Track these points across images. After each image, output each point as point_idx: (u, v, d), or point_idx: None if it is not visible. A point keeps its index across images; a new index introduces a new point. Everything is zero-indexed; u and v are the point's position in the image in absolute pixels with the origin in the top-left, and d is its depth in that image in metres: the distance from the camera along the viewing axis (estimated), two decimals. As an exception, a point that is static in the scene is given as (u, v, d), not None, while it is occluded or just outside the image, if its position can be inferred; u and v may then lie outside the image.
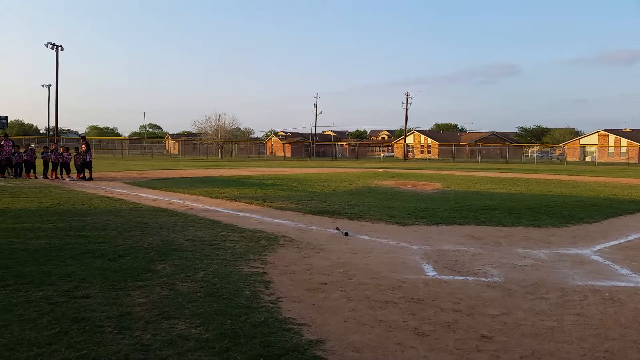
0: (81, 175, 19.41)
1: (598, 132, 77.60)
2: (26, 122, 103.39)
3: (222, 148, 70.22)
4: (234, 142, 74.97)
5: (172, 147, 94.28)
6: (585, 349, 3.73)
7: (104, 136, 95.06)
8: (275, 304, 4.60)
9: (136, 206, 11.45)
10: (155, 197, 13.65)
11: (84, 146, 19.72)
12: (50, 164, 19.94)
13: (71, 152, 20.00)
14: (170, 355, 3.42)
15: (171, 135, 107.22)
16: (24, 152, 19.89)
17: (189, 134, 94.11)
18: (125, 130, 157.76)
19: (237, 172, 27.92)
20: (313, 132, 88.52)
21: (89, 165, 19.53)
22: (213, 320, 4.11)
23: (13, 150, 19.86)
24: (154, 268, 5.78)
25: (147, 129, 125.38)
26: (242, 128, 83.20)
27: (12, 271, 5.48)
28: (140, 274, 5.51)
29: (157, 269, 5.76)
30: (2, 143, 19.59)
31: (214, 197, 13.66)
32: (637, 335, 4.01)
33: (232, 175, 23.76)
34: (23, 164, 19.74)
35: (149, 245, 7.03)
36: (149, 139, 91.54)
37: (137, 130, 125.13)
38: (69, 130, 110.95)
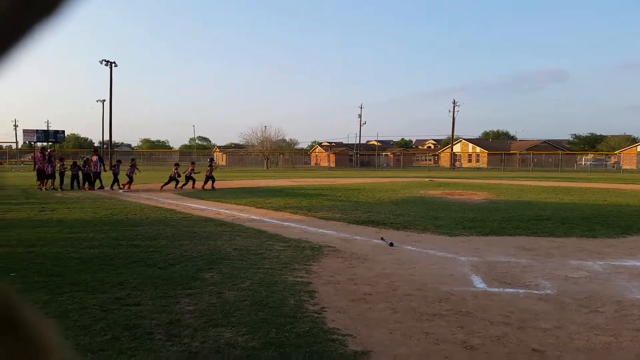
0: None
1: (657, 138, 73.58)
2: (81, 136, 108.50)
3: (268, 159, 70.95)
4: (279, 152, 75.79)
5: (220, 158, 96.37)
6: (647, 367, 3.52)
7: (156, 149, 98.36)
8: (320, 314, 4.60)
9: (186, 216, 11.71)
10: (203, 207, 13.92)
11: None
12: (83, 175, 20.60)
13: (79, 162, 21.26)
14: (218, 363, 3.48)
15: (219, 147, 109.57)
16: (83, 165, 20.92)
17: (236, 145, 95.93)
18: (176, 142, 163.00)
19: (282, 182, 28.14)
20: (357, 142, 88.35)
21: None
22: (259, 328, 4.15)
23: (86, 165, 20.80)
24: (202, 276, 5.89)
25: (197, 141, 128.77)
26: (287, 139, 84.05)
27: (68, 279, 5.73)
28: (189, 282, 5.62)
29: (205, 277, 5.87)
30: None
31: (260, 207, 13.81)
32: None
33: (277, 186, 23.98)
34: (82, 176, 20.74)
35: (197, 254, 7.17)
36: (199, 151, 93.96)
37: (187, 142, 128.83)
38: (122, 143, 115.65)
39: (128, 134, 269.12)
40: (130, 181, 20.48)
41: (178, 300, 4.93)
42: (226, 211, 12.93)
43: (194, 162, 23.09)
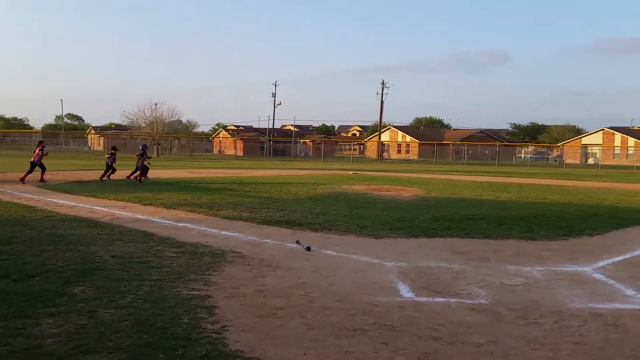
0: None
1: (602, 130, 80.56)
2: None
3: (159, 144, 69.30)
4: (174, 137, 74.07)
5: (95, 142, 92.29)
6: (583, 382, 3.84)
7: (11, 128, 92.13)
8: (220, 333, 4.56)
9: (49, 215, 11.18)
10: (73, 203, 13.38)
11: None
12: None
13: None
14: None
15: (95, 128, 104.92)
16: None
17: (118, 126, 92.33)
18: (37, 121, 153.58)
19: (177, 173, 27.59)
20: (270, 126, 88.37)
21: None
22: (143, 355, 4.04)
23: None
24: (70, 291, 5.66)
25: (65, 120, 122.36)
26: (183, 120, 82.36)
27: None
28: (53, 298, 5.38)
29: (74, 292, 5.64)
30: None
31: (147, 204, 13.47)
32: (641, 365, 4.16)
33: (170, 177, 23.43)
34: None
35: (64, 263, 6.88)
36: (67, 132, 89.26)
37: (53, 121, 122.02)
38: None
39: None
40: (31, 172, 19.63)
41: (38, 322, 4.68)
42: (103, 209, 12.48)
43: (147, 145, 22.88)
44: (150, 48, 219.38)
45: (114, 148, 22.15)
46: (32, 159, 19.92)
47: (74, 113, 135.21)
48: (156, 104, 71.81)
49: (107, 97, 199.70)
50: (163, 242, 8.51)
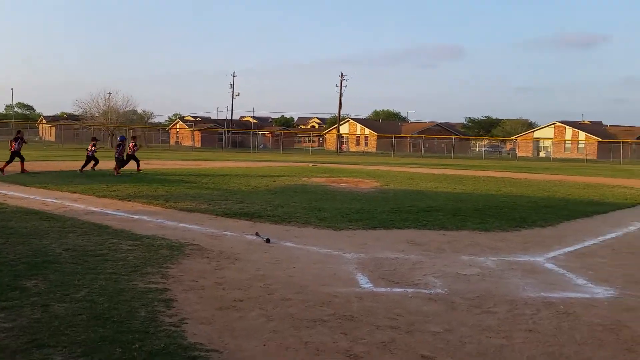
0: None
1: (554, 124, 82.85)
2: None
3: (113, 135, 67.99)
4: (129, 127, 72.64)
5: (47, 132, 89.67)
6: (535, 368, 3.97)
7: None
8: (178, 326, 4.52)
9: (-1, 207, 10.86)
10: (24, 195, 13.06)
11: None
12: None
13: None
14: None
15: (46, 117, 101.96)
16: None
17: (70, 116, 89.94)
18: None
19: (133, 165, 26.98)
20: (229, 117, 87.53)
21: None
22: (98, 349, 3.97)
23: None
24: (22, 285, 5.53)
25: (15, 109, 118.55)
26: (138, 110, 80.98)
27: None
28: (5, 292, 5.27)
29: (27, 285, 5.52)
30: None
31: (102, 196, 13.23)
32: (592, 353, 4.32)
33: (125, 169, 22.97)
34: None
35: (15, 257, 6.72)
36: (18, 122, 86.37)
37: (3, 111, 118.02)
38: None
39: None
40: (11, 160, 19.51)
41: (-13, 317, 4.55)
42: (55, 201, 12.22)
43: (136, 136, 23.22)
44: (105, 36, 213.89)
45: (94, 139, 21.91)
46: (11, 149, 19.86)
47: (25, 102, 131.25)
48: (110, 93, 70.55)
49: (60, 86, 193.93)
50: (118, 235, 8.37)
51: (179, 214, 10.87)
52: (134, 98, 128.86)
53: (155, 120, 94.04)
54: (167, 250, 7.43)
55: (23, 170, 19.46)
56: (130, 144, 21.81)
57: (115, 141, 62.04)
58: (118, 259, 6.79)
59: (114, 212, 10.81)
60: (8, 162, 19.43)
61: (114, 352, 3.92)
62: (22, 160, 19.81)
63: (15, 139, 20.03)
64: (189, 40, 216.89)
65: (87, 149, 21.15)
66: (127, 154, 21.32)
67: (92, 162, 20.82)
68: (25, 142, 20.47)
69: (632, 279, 6.77)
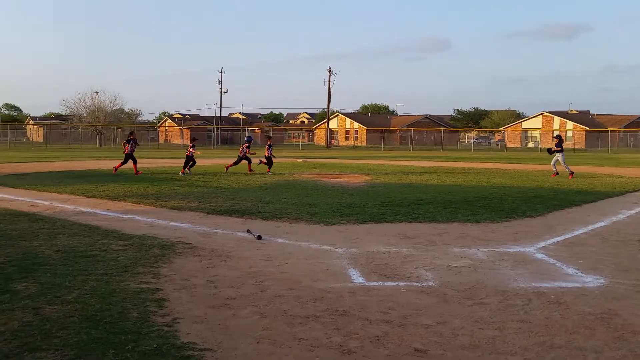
0: None
1: (542, 114, 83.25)
2: None
3: (101, 134, 67.74)
4: (117, 126, 72.28)
5: (34, 133, 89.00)
6: None
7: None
8: (171, 326, 4.50)
9: (-13, 210, 10.76)
10: (12, 197, 12.97)
11: None
12: None
13: None
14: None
15: (34, 118, 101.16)
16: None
17: (58, 116, 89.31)
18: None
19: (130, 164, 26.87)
20: (218, 114, 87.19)
21: None
22: (91, 350, 3.95)
23: None
24: (13, 288, 5.50)
25: (2, 110, 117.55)
26: (126, 109, 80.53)
27: None
28: (-6, 296, 5.20)
29: (17, 288, 5.48)
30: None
31: (91, 197, 13.16)
32: (584, 342, 4.36)
33: (124, 169, 22.86)
34: None
35: (5, 259, 6.68)
36: (5, 123, 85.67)
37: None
38: None
39: None
40: None
41: (-22, 322, 4.51)
42: (44, 202, 12.13)
43: (251, 139, 22.79)
44: (93, 34, 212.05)
45: (194, 139, 21.85)
46: (125, 151, 20.09)
47: (12, 103, 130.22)
48: (97, 93, 70.10)
49: (47, 87, 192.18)
50: (109, 235, 8.33)
51: (170, 213, 10.83)
52: (122, 97, 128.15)
53: (144, 118, 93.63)
54: (158, 249, 7.40)
55: (136, 172, 19.45)
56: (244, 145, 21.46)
57: (105, 141, 61.33)
58: (109, 260, 6.76)
59: (104, 212, 10.75)
60: (122, 163, 19.88)
61: (107, 354, 3.90)
62: (135, 162, 19.87)
63: (128, 141, 20.02)
64: (176, 38, 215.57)
65: (186, 149, 20.71)
66: (239, 156, 21.28)
67: (191, 162, 20.29)
68: (138, 145, 20.13)
69: (622, 267, 6.83)
